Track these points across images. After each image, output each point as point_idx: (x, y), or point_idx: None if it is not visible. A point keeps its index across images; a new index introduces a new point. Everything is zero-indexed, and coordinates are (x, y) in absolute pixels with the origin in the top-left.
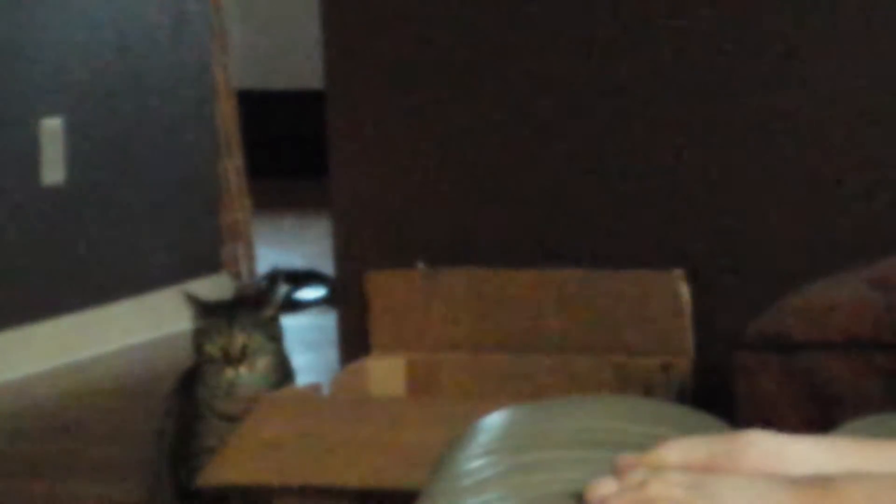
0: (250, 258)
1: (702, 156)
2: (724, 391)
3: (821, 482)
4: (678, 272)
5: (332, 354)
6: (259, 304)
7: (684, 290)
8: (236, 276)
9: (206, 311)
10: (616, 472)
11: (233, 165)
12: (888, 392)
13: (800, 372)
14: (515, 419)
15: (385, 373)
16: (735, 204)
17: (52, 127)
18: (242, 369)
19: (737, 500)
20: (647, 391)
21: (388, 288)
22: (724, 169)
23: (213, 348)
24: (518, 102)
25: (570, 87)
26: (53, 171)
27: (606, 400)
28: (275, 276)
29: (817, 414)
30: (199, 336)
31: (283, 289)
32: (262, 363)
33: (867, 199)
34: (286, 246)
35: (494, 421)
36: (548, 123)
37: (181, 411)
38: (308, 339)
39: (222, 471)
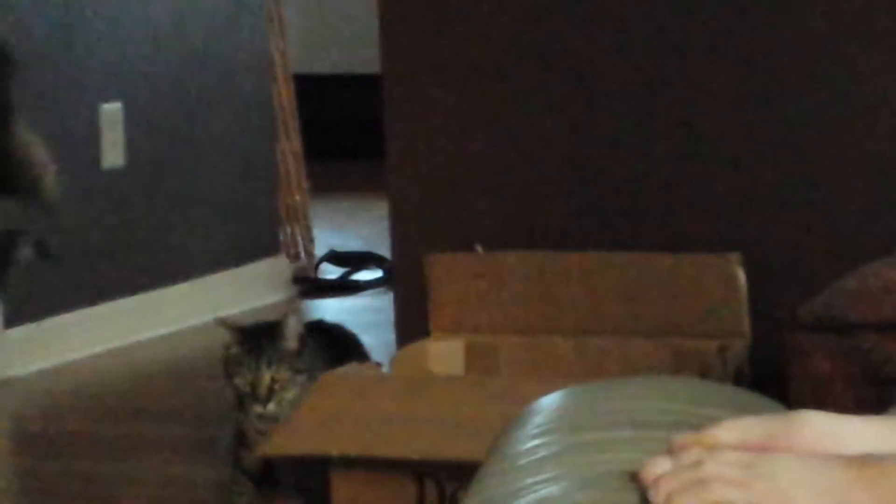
0: (308, 241)
1: (756, 139)
2: (779, 373)
3: (875, 461)
4: (734, 255)
5: (388, 337)
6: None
7: (740, 273)
8: (294, 258)
9: (239, 337)
10: (671, 451)
11: (290, 148)
12: None
13: (854, 353)
14: (572, 399)
15: (444, 354)
16: (790, 186)
17: (111, 111)
18: (271, 405)
19: (791, 479)
20: (704, 373)
21: (446, 270)
22: (778, 152)
23: (242, 383)
24: (574, 87)
25: (626, 73)
26: (113, 155)
27: (662, 381)
28: (287, 313)
29: (872, 394)
30: (230, 365)
31: (294, 322)
32: (290, 396)
33: None
34: (343, 228)
35: (551, 401)
36: (603, 107)
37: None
38: (365, 320)
39: (282, 441)
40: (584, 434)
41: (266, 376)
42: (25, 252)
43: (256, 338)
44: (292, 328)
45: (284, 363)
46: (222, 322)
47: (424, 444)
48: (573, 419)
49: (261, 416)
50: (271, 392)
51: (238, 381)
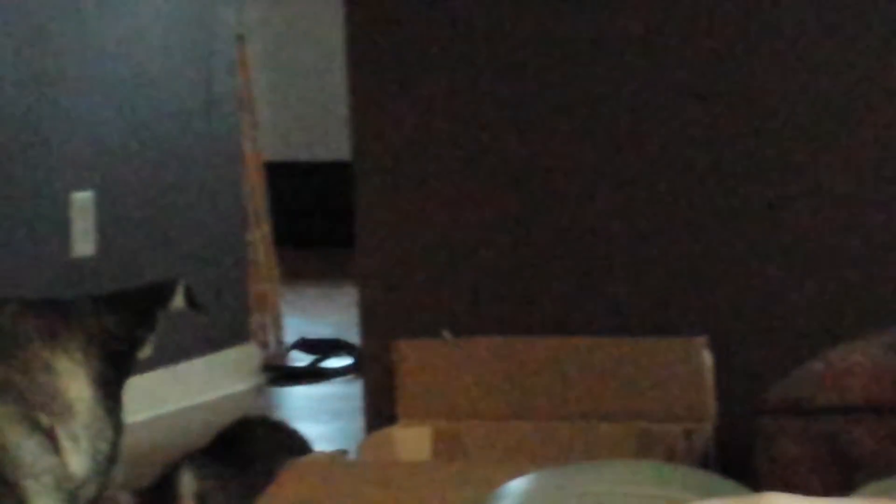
0: (278, 328)
1: (722, 223)
2: (746, 456)
3: None
4: (700, 339)
5: (357, 423)
6: None
7: (706, 357)
8: (264, 345)
9: (138, 499)
10: None
11: (261, 235)
12: None
13: (821, 436)
14: (539, 484)
15: (411, 440)
16: (756, 271)
17: (82, 200)
18: None
19: None
20: (670, 457)
21: (414, 357)
22: (744, 236)
23: None
24: (543, 176)
25: (588, 160)
26: (84, 243)
27: (628, 464)
28: (182, 469)
29: (839, 478)
30: None
31: (188, 480)
32: None
33: (888, 266)
34: (313, 316)
35: (518, 485)
36: (570, 194)
37: None
38: (334, 407)
39: None
40: None
41: None
42: (177, 301)
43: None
44: (187, 487)
45: None
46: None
47: None
48: (540, 503)
49: None
50: None
51: None
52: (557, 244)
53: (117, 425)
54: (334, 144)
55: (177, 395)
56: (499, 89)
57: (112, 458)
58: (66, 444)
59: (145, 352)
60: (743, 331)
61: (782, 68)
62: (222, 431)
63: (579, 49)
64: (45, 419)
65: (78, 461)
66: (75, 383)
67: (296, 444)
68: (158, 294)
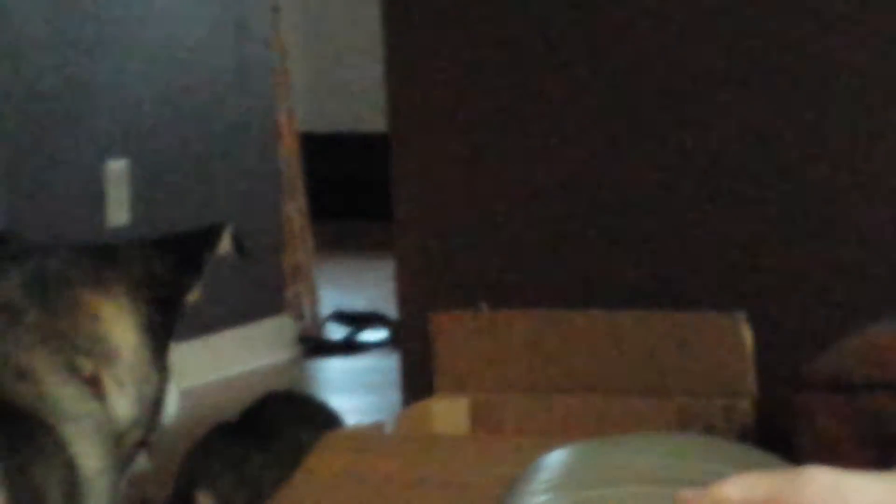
0: (313, 300)
1: (763, 197)
2: (785, 433)
3: None
4: (740, 314)
5: (394, 396)
6: None
7: (746, 333)
8: (299, 317)
9: None
10: None
11: (296, 207)
12: None
13: (861, 412)
14: (578, 456)
15: (449, 413)
16: (797, 245)
17: (117, 169)
18: None
19: None
20: (709, 432)
21: (451, 329)
22: (786, 211)
23: None
24: (579, 148)
25: (630, 134)
26: (118, 212)
27: (669, 438)
28: (194, 497)
29: (879, 454)
30: None
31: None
32: None
33: None
34: (349, 288)
35: (558, 457)
36: (608, 167)
37: None
38: (370, 381)
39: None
40: (590, 490)
41: None
42: (224, 245)
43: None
44: None
45: None
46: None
47: None
48: (579, 475)
49: None
50: None
51: None
52: (597, 218)
53: (164, 370)
54: (370, 116)
55: (212, 366)
56: (537, 61)
57: (158, 403)
58: (110, 388)
59: (193, 296)
60: (784, 306)
61: (812, 45)
62: (249, 407)
63: (617, 21)
64: (87, 364)
65: (123, 405)
66: (120, 328)
67: (325, 418)
68: (205, 238)
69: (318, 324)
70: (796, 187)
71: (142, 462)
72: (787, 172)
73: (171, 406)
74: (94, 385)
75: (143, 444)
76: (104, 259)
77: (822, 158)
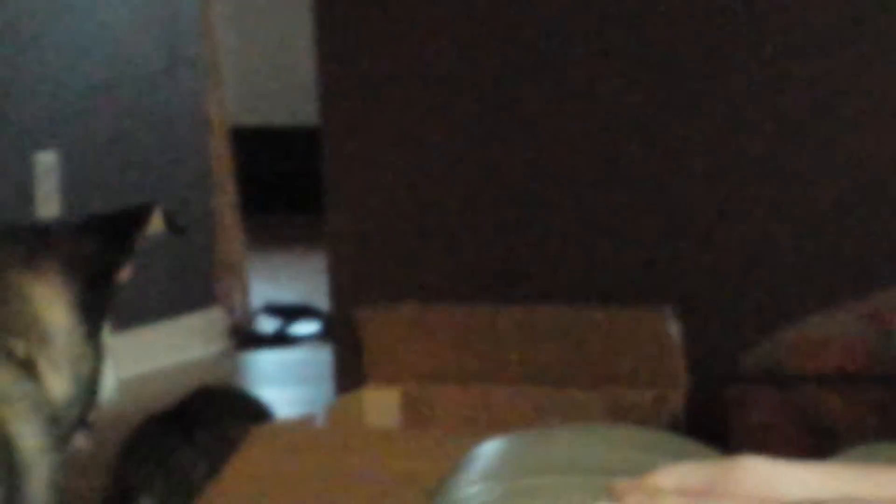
0: (244, 293)
1: (691, 191)
2: (717, 424)
3: None
4: (667, 309)
5: (326, 388)
6: None
7: (674, 326)
8: (230, 310)
9: None
10: (612, 497)
11: (226, 201)
12: (882, 424)
13: (794, 405)
14: (511, 446)
15: (380, 404)
16: (728, 238)
17: (46, 161)
18: None
19: None
20: (641, 424)
21: (381, 323)
22: (716, 203)
23: None
24: (510, 142)
25: (560, 127)
26: (48, 204)
27: (602, 428)
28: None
29: (811, 446)
30: None
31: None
32: None
33: (860, 235)
34: (280, 281)
35: (491, 448)
36: (538, 163)
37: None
38: (302, 373)
39: (214, 499)
40: (525, 479)
41: None
42: (155, 224)
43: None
44: None
45: None
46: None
47: (360, 502)
48: (512, 465)
49: None
50: None
51: None
52: (526, 212)
53: (98, 349)
54: (301, 109)
55: (142, 358)
56: (471, 47)
57: (94, 382)
58: (45, 369)
59: (124, 275)
60: (716, 299)
61: (779, 28)
62: (179, 400)
63: (560, 4)
64: (21, 347)
65: (59, 386)
66: (53, 309)
67: (257, 412)
68: (135, 217)
69: (249, 316)
70: (725, 178)
71: (81, 442)
72: (715, 162)
73: (109, 384)
74: (28, 367)
75: (81, 422)
76: (34, 239)
77: (753, 147)
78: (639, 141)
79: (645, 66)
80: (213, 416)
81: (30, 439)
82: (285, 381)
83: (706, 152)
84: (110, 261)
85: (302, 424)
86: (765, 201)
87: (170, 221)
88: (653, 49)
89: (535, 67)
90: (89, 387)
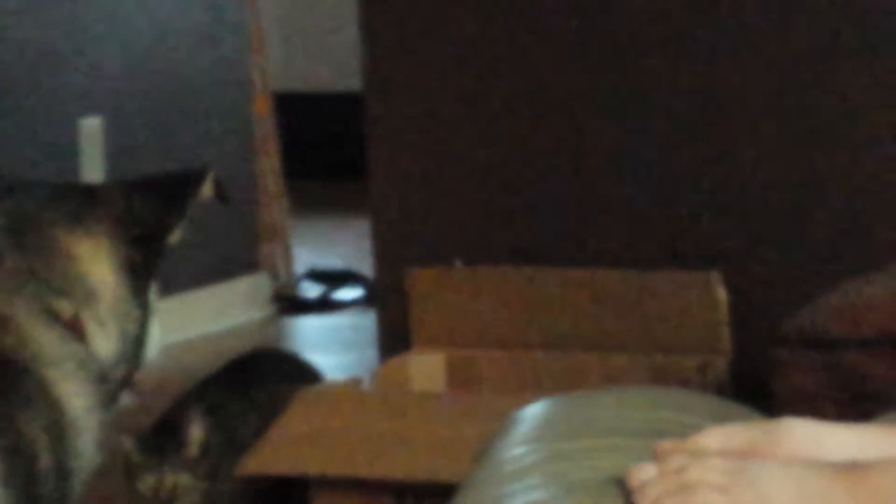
0: (287, 258)
1: (738, 155)
2: (761, 389)
3: (857, 468)
4: (715, 273)
5: (369, 354)
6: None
7: (720, 291)
8: (273, 276)
9: (140, 443)
10: (656, 458)
11: (269, 166)
12: None
13: (837, 368)
14: (556, 409)
15: (425, 368)
16: (773, 203)
17: (91, 126)
18: None
19: (774, 484)
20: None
21: (428, 285)
22: (760, 168)
23: (144, 488)
24: (556, 104)
25: (606, 91)
26: (92, 169)
27: (646, 391)
28: (191, 417)
29: (855, 410)
30: (132, 470)
31: (196, 429)
32: (193, 501)
33: None
34: (323, 247)
35: (535, 411)
36: (584, 125)
37: None
38: (346, 338)
39: (260, 460)
40: (570, 441)
41: (168, 482)
42: (206, 190)
43: (159, 443)
44: (195, 435)
45: (186, 470)
46: (124, 433)
47: (404, 464)
48: (558, 427)
49: None
50: (173, 498)
51: (140, 485)
52: (572, 175)
53: (145, 307)
54: (344, 75)
55: (187, 324)
56: (512, 16)
57: (140, 340)
58: (91, 328)
59: (174, 237)
60: (759, 263)
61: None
62: (232, 361)
63: None
64: (67, 307)
65: (105, 345)
66: (99, 267)
67: (307, 375)
68: (188, 181)
69: (293, 282)
70: (772, 143)
71: (125, 399)
72: (762, 127)
73: (154, 343)
74: (74, 327)
75: (126, 381)
76: (84, 198)
77: (800, 116)
78: (683, 104)
79: (694, 29)
80: (264, 374)
81: (77, 399)
82: (329, 347)
83: (751, 117)
84: (161, 222)
85: (348, 387)
86: (812, 164)
87: (219, 189)
88: (704, 14)
89: (581, 35)
90: (136, 345)
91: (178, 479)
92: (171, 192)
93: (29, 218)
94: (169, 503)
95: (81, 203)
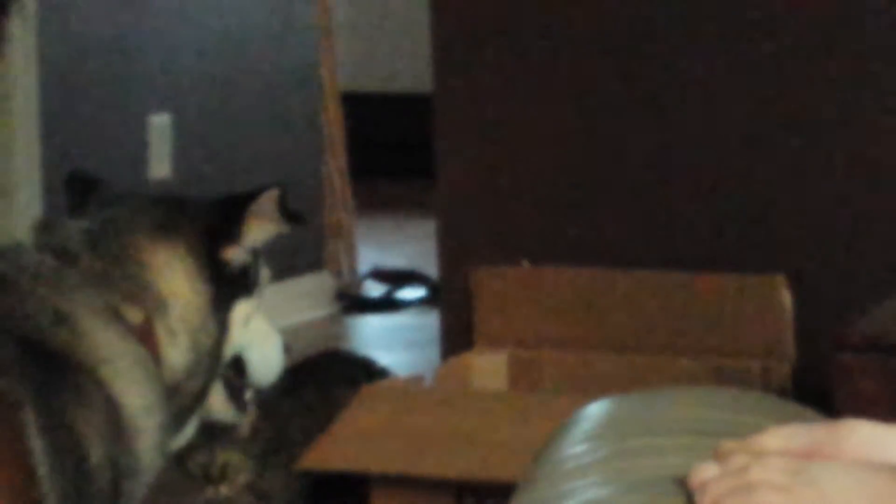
0: (352, 257)
1: (803, 161)
2: (823, 395)
3: None
4: (780, 277)
5: (432, 353)
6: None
7: (786, 295)
8: (338, 274)
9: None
10: (718, 458)
11: (337, 166)
12: None
13: None
14: (618, 407)
15: (487, 367)
16: (837, 207)
17: (160, 123)
18: (223, 488)
19: (836, 486)
20: None
21: (492, 284)
22: (826, 173)
23: (194, 466)
24: (622, 110)
25: (673, 95)
26: (160, 165)
27: (708, 391)
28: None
29: None
30: (182, 450)
31: (252, 404)
32: (243, 480)
33: None
34: (387, 246)
35: (597, 409)
36: (652, 128)
37: None
38: (409, 338)
39: (321, 456)
40: (631, 440)
41: (219, 460)
42: (266, 206)
43: (209, 422)
44: (249, 409)
45: (237, 449)
46: None
47: (465, 463)
48: (619, 426)
49: (211, 501)
50: (223, 477)
51: (189, 465)
52: (639, 177)
53: (222, 323)
54: (413, 76)
55: None
56: (582, 22)
57: (216, 355)
58: (162, 336)
59: (229, 254)
60: (824, 268)
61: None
62: (303, 362)
63: None
64: (136, 312)
65: (174, 354)
66: (173, 278)
67: (377, 379)
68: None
69: (357, 281)
70: (838, 147)
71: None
72: (829, 131)
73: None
74: (143, 332)
75: (201, 395)
76: (171, 211)
77: (868, 120)
78: (750, 106)
79: (758, 31)
80: (321, 375)
81: (134, 398)
82: (391, 346)
83: (818, 120)
84: (219, 239)
85: (410, 384)
86: (877, 169)
87: (282, 205)
88: (771, 12)
89: (654, 36)
90: (211, 360)
91: (230, 457)
92: (235, 209)
93: (115, 225)
94: (219, 482)
95: (167, 215)
